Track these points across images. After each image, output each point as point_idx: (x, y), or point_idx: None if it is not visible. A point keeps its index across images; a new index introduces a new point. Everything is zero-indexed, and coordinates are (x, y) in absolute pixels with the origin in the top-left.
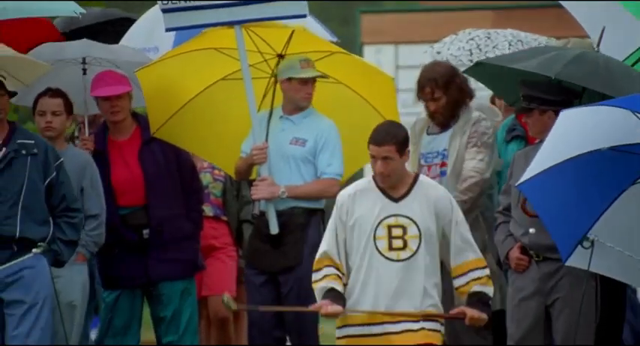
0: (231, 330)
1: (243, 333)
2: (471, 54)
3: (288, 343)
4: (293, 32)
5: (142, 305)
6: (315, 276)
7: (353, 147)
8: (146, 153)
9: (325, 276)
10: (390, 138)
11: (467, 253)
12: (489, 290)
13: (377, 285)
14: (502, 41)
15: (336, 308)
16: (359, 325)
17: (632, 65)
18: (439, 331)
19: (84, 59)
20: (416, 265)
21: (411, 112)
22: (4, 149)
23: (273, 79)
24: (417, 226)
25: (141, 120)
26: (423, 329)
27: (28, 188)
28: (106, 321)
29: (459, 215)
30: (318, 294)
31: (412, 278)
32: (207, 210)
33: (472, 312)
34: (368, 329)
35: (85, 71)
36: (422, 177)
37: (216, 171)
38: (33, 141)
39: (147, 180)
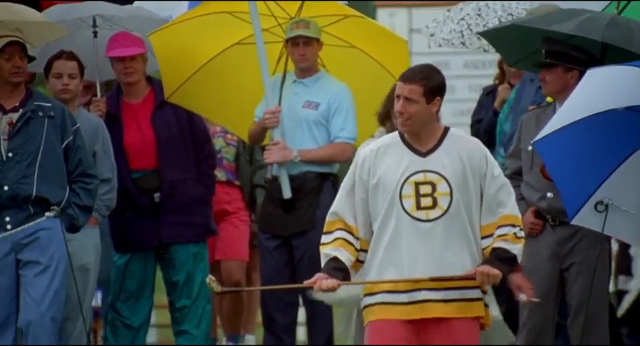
0: (244, 295)
1: (256, 298)
2: (462, 36)
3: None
4: None
5: (154, 269)
6: (324, 239)
7: (366, 111)
8: (159, 116)
9: (334, 241)
10: (420, 78)
11: (499, 210)
12: (513, 247)
13: (403, 249)
14: (492, 18)
15: (329, 282)
16: (387, 292)
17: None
18: (477, 299)
19: (94, 22)
20: (445, 227)
21: None
22: (21, 110)
23: (285, 43)
24: (448, 182)
25: (155, 83)
26: (453, 300)
27: (46, 149)
28: (117, 285)
29: (494, 169)
30: (322, 260)
31: (438, 241)
32: (220, 174)
33: (482, 268)
34: (394, 297)
35: (95, 34)
36: (453, 130)
37: (229, 136)
38: (50, 105)
39: (159, 144)
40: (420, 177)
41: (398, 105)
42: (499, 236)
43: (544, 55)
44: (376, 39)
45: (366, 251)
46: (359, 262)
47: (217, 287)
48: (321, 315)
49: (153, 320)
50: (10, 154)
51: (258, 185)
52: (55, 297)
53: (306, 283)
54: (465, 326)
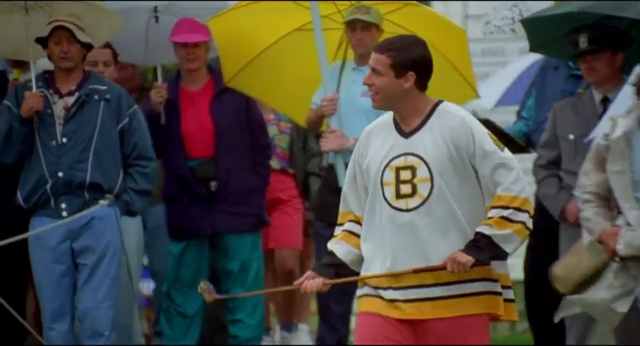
0: None
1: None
2: (513, 22)
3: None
4: None
5: (208, 258)
6: (335, 231)
7: None
8: (217, 104)
9: (340, 233)
10: (390, 48)
11: (498, 185)
12: (496, 231)
13: (384, 242)
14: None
15: (314, 283)
16: (372, 287)
17: None
18: (485, 292)
19: (155, 7)
20: (428, 216)
21: (481, 62)
22: (76, 93)
23: (346, 27)
24: (428, 166)
25: (215, 72)
26: (454, 296)
27: (101, 133)
28: (173, 273)
29: (485, 145)
30: None
31: (420, 232)
32: (274, 162)
33: (451, 255)
34: (386, 294)
35: (157, 19)
36: (443, 104)
37: (283, 124)
38: (106, 87)
39: (217, 132)
40: (400, 162)
41: (365, 77)
42: (487, 219)
43: (584, 42)
44: (435, 28)
45: None
46: None
47: (209, 297)
48: None
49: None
50: (64, 139)
51: (312, 173)
52: (111, 285)
53: (295, 283)
54: (464, 324)
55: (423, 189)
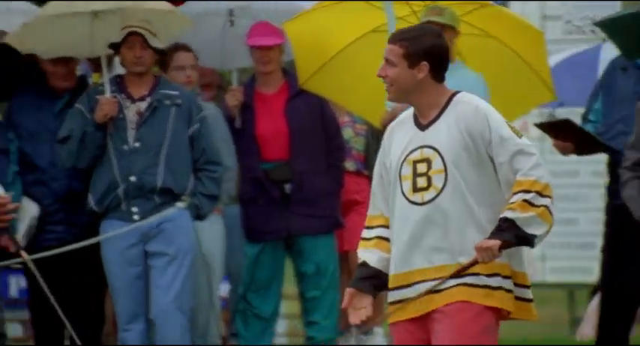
0: None
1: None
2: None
3: None
4: None
5: (284, 260)
6: (364, 233)
7: (502, 101)
8: (292, 107)
9: (372, 239)
10: (402, 38)
11: (518, 171)
12: (518, 214)
13: (403, 237)
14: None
15: (358, 315)
16: (396, 288)
17: None
18: (493, 287)
19: (231, 11)
20: (442, 208)
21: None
22: (148, 98)
23: None
24: (442, 157)
25: (289, 74)
26: (459, 285)
27: (172, 138)
28: (249, 275)
29: (502, 131)
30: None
31: (435, 226)
32: (349, 164)
33: (477, 244)
34: (399, 294)
35: (232, 22)
36: (460, 95)
37: (358, 126)
38: (177, 92)
39: (291, 135)
40: (417, 155)
41: (379, 68)
42: (507, 205)
43: None
44: (512, 29)
45: None
46: None
47: None
48: None
49: (282, 310)
50: (136, 144)
51: None
52: (183, 288)
53: (343, 307)
54: (459, 310)
55: (437, 181)
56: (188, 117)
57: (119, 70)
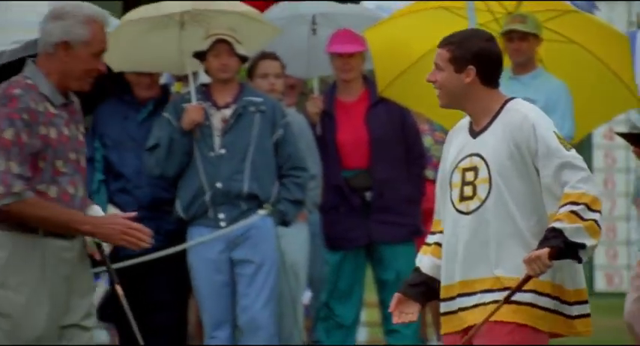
0: None
1: None
2: None
3: None
4: None
5: (365, 268)
6: (428, 239)
7: (585, 109)
8: (373, 115)
9: (431, 244)
10: (449, 42)
11: (559, 192)
12: (566, 225)
13: (449, 246)
14: None
15: (399, 316)
16: (442, 300)
17: None
18: (531, 304)
19: (314, 19)
20: (485, 219)
21: None
22: (233, 106)
23: (502, 37)
24: (487, 166)
25: (369, 83)
26: (495, 302)
27: (256, 144)
28: (331, 283)
29: (550, 142)
30: None
31: (476, 236)
32: (429, 173)
33: (530, 256)
34: (446, 306)
35: (314, 31)
36: (513, 101)
37: (438, 134)
38: (261, 99)
39: (372, 143)
40: (466, 163)
41: (429, 73)
42: (555, 218)
43: None
44: (597, 35)
45: None
46: None
47: None
48: None
49: (363, 318)
50: (222, 151)
51: None
52: (270, 295)
53: (390, 310)
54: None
55: (481, 191)
56: (272, 123)
57: (203, 79)
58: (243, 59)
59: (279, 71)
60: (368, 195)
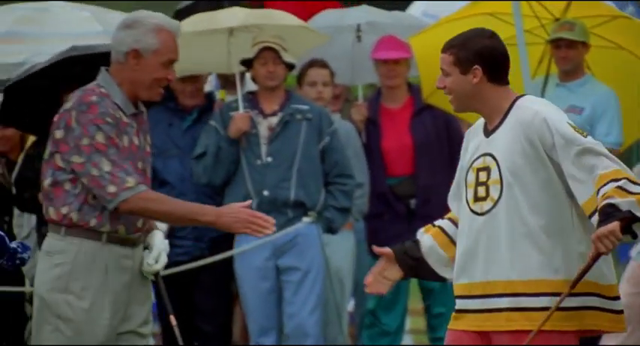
0: None
1: None
2: None
3: None
4: None
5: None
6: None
7: (634, 115)
8: (418, 122)
9: (436, 226)
10: (451, 45)
11: (592, 175)
12: (618, 200)
13: (464, 246)
14: None
15: (374, 284)
16: (459, 297)
17: None
18: (538, 308)
19: (358, 26)
20: (498, 220)
21: None
22: (280, 114)
23: (549, 44)
24: (498, 166)
25: (414, 90)
26: (508, 309)
27: (303, 152)
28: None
29: (566, 132)
30: None
31: (489, 238)
32: None
33: (598, 233)
34: (463, 304)
35: (359, 38)
36: (522, 99)
37: None
38: (308, 107)
39: (417, 150)
40: (480, 162)
41: (437, 80)
42: (601, 197)
43: None
44: None
45: None
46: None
47: None
48: None
49: (407, 325)
50: (269, 159)
51: None
52: (317, 302)
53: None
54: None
55: (494, 192)
56: (319, 131)
57: (250, 86)
58: (289, 67)
59: (328, 79)
60: (412, 202)
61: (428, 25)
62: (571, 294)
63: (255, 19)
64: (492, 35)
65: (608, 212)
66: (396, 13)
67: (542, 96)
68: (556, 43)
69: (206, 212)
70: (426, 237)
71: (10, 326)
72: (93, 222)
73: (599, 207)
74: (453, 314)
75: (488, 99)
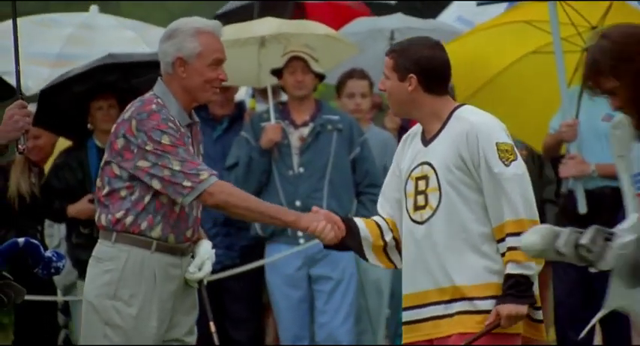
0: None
1: (548, 312)
2: None
3: None
4: (611, 5)
5: None
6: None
7: None
8: None
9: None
10: (394, 49)
11: (504, 210)
12: (526, 267)
13: (409, 256)
14: None
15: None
16: (408, 308)
17: None
18: (487, 311)
19: (392, 34)
20: (436, 229)
21: None
22: (311, 124)
23: (585, 52)
24: (437, 175)
25: None
26: (459, 313)
27: (334, 162)
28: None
29: (488, 156)
30: None
31: (431, 246)
32: None
33: (506, 309)
34: (413, 314)
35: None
36: (462, 108)
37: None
38: (338, 117)
39: None
40: (418, 171)
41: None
42: (509, 249)
43: None
44: None
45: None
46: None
47: None
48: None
49: None
50: (301, 169)
51: (548, 200)
52: (349, 311)
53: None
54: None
55: (432, 200)
56: (350, 141)
57: (285, 96)
58: (319, 76)
59: (367, 90)
60: None
61: (462, 31)
62: (485, 297)
63: (287, 29)
64: (434, 45)
65: (521, 288)
66: (429, 21)
67: (579, 105)
68: None
69: (288, 212)
70: (360, 221)
71: (43, 334)
72: (144, 225)
73: (508, 267)
74: (405, 326)
75: (423, 108)
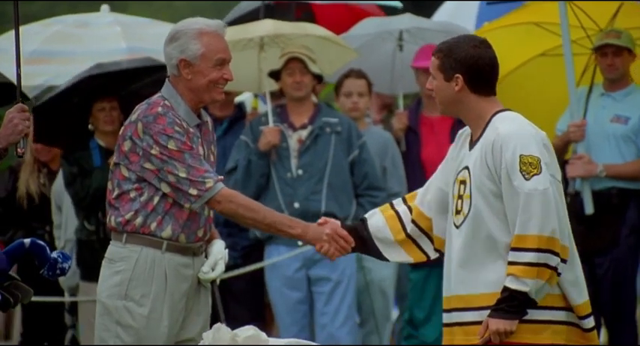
0: None
1: None
2: None
3: None
4: (620, 6)
5: None
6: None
7: None
8: (458, 131)
9: (391, 207)
10: (439, 49)
11: (515, 222)
12: (523, 283)
13: (447, 259)
14: None
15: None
16: (444, 311)
17: None
18: (550, 321)
19: (401, 35)
20: (467, 234)
21: None
22: (309, 127)
23: (594, 54)
24: (470, 181)
25: None
26: (473, 322)
27: (333, 165)
28: (414, 301)
29: (510, 168)
30: None
31: (467, 251)
32: None
33: (495, 325)
34: (446, 317)
35: (401, 47)
36: (499, 115)
37: None
38: (337, 120)
39: None
40: (462, 175)
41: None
42: (508, 263)
43: None
44: None
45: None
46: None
47: None
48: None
49: None
50: (300, 172)
51: None
52: (349, 312)
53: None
54: None
55: (465, 206)
56: (348, 144)
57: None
58: (318, 78)
59: (364, 89)
60: None
61: (472, 32)
62: (540, 307)
63: (284, 30)
64: (481, 44)
65: (513, 303)
66: (438, 22)
67: (586, 106)
68: (602, 51)
69: (294, 225)
70: (378, 217)
71: (50, 334)
72: (153, 226)
73: (507, 281)
74: (444, 328)
75: (469, 109)
